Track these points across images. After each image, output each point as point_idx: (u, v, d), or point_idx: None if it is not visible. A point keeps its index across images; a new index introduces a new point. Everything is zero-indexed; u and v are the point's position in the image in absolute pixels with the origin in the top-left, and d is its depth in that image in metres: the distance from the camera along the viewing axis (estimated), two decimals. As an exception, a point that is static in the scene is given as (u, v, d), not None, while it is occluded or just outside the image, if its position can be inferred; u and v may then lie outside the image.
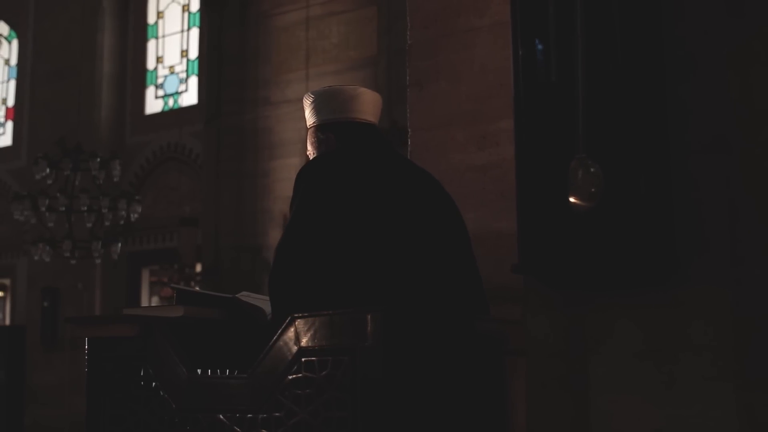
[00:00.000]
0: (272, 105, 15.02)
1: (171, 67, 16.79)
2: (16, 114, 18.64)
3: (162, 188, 15.60)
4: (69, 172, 9.03)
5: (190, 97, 16.37)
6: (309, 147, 3.05)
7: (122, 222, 9.25)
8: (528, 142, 2.33)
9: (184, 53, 16.65)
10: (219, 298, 3.03)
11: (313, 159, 2.94)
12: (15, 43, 19.01)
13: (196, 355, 2.68)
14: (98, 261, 9.73)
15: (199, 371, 2.60)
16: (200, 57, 16.21)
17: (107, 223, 9.20)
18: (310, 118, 3.05)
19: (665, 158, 2.25)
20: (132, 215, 9.25)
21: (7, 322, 18.64)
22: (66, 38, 16.90)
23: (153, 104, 16.88)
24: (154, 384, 2.65)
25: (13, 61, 19.00)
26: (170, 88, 16.74)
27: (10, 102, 18.90)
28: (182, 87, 16.58)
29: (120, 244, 9.82)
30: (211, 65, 15.44)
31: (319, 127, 3.01)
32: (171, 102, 16.68)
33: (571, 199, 2.20)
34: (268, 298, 3.11)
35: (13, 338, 16.90)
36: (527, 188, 2.33)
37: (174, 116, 16.27)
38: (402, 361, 2.36)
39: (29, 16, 18.27)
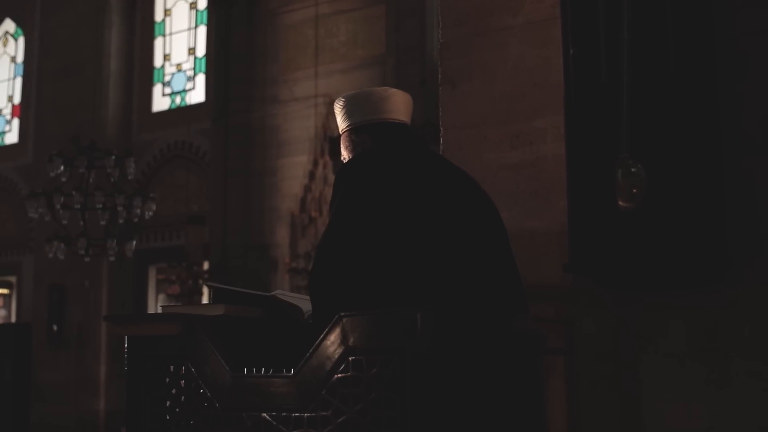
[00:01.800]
0: (280, 103, 15.02)
1: (178, 65, 16.78)
2: (22, 111, 18.62)
3: (169, 186, 15.59)
4: (83, 169, 9.01)
5: (197, 95, 16.36)
6: (343, 151, 3.04)
7: (136, 220, 9.24)
8: (578, 140, 2.32)
9: (192, 51, 16.64)
10: (257, 296, 3.02)
11: (352, 158, 2.93)
12: (21, 40, 19.00)
13: (234, 354, 2.67)
14: (112, 259, 9.72)
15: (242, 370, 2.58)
16: (208, 55, 16.20)
17: (121, 221, 9.19)
18: (342, 122, 3.04)
19: (717, 158, 2.25)
20: (147, 213, 9.25)
21: (13, 319, 18.64)
22: (73, 36, 16.88)
23: (160, 102, 16.87)
24: (196, 383, 2.64)
25: (20, 58, 18.99)
26: (177, 85, 16.73)
27: (17, 99, 18.89)
28: (189, 85, 16.57)
29: (134, 242, 9.80)
30: (218, 63, 15.44)
31: (353, 130, 3.01)
32: (178, 100, 16.68)
33: (618, 201, 2.19)
34: (303, 296, 3.11)
35: (19, 336, 16.91)
36: (577, 187, 2.32)
37: (181, 114, 16.26)
38: (450, 360, 2.36)
39: (36, 13, 18.25)
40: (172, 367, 2.70)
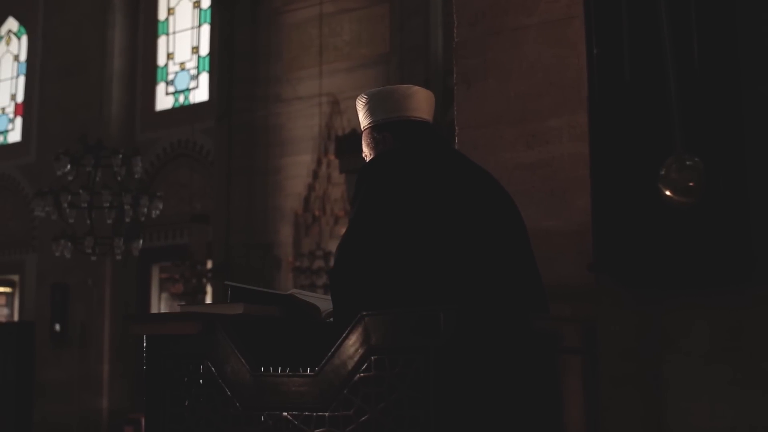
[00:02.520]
0: (283, 102, 15.01)
1: (182, 64, 16.77)
2: (25, 110, 18.62)
3: (172, 185, 15.58)
4: (91, 168, 9.01)
5: (200, 94, 16.35)
6: (365, 148, 3.03)
7: (143, 218, 9.24)
8: (602, 140, 2.31)
9: (195, 50, 16.63)
10: (274, 295, 3.02)
11: (374, 156, 2.93)
12: (24, 39, 18.99)
13: (252, 353, 2.67)
14: (119, 257, 9.72)
15: (262, 369, 2.58)
16: (211, 54, 16.19)
17: (128, 220, 9.20)
18: (364, 119, 3.03)
19: (741, 157, 2.25)
20: (154, 212, 9.25)
21: (16, 318, 18.63)
22: (76, 34, 16.87)
23: (163, 101, 16.86)
24: (216, 382, 2.64)
25: (23, 57, 18.98)
26: (181, 84, 16.72)
27: (20, 98, 18.88)
28: (193, 84, 16.56)
29: (141, 241, 9.80)
30: (222, 62, 15.43)
31: (375, 128, 3.00)
32: (182, 99, 16.66)
33: (667, 193, 2.18)
34: (320, 295, 3.11)
35: (22, 334, 16.89)
36: (601, 186, 2.32)
37: (185, 113, 16.24)
38: (471, 359, 2.36)
39: (39, 12, 18.25)
40: (191, 366, 2.69)
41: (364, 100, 3.05)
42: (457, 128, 3.60)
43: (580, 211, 3.33)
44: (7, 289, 19.30)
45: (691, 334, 2.29)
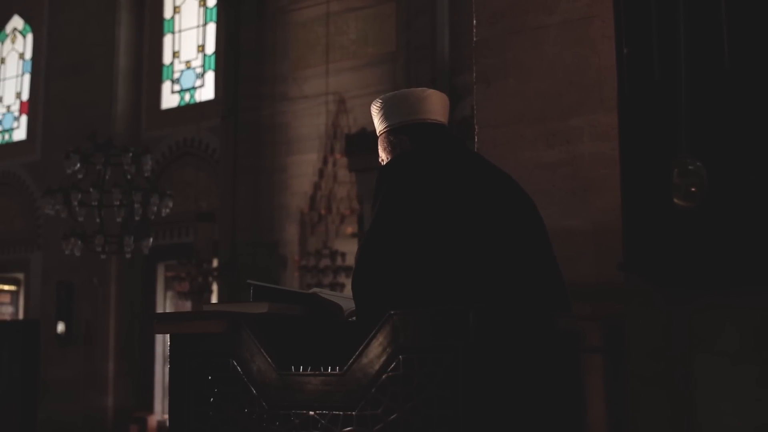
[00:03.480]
0: (289, 100, 15.02)
1: (187, 62, 16.78)
2: (30, 108, 18.63)
3: (178, 183, 15.57)
4: (101, 166, 9.01)
5: (206, 93, 16.35)
6: (381, 153, 3.03)
7: (152, 216, 9.25)
8: (632, 139, 2.31)
9: (201, 48, 16.64)
10: (297, 294, 3.02)
11: (393, 158, 2.93)
12: (30, 37, 19.00)
13: (277, 351, 2.67)
14: (128, 256, 9.72)
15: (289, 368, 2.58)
16: (217, 52, 16.19)
17: (137, 218, 9.20)
18: (380, 124, 3.04)
19: (769, 158, 2.24)
20: (164, 210, 9.25)
21: (20, 316, 18.66)
22: (81, 32, 16.89)
23: (169, 99, 16.86)
24: (241, 380, 2.63)
25: (28, 55, 18.99)
26: (186, 83, 16.73)
27: (25, 96, 18.90)
28: (198, 82, 16.57)
29: (151, 239, 9.81)
30: (228, 60, 15.44)
31: (391, 132, 3.00)
32: (187, 97, 16.67)
33: (674, 200, 2.19)
34: (342, 294, 3.11)
35: (27, 333, 16.93)
36: (631, 186, 2.31)
37: (190, 111, 16.25)
38: (500, 357, 2.36)
39: (44, 10, 18.27)
40: (216, 365, 2.69)
41: (378, 104, 3.05)
42: (476, 127, 3.60)
43: (600, 210, 3.33)
44: (12, 287, 19.31)
45: (721, 333, 2.29)
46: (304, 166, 14.70)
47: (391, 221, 2.72)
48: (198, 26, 16.77)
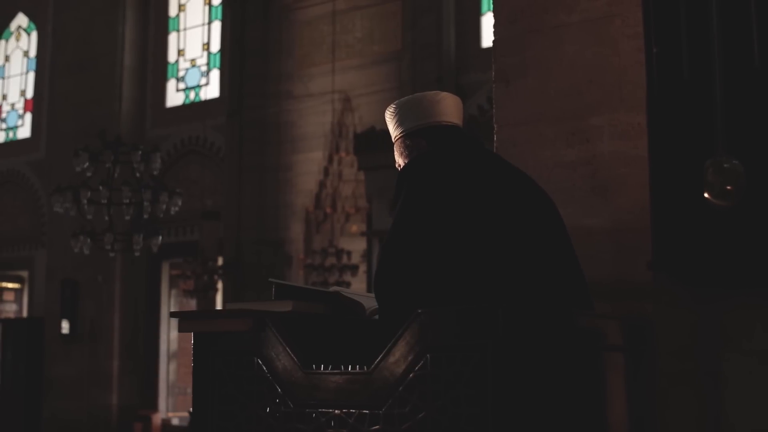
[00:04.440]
0: (295, 99, 15.02)
1: (192, 60, 16.78)
2: (35, 106, 18.64)
3: (183, 181, 15.56)
4: (110, 164, 9.02)
5: (211, 91, 16.35)
6: (398, 158, 3.03)
7: (161, 215, 9.25)
8: (662, 138, 2.31)
9: (206, 46, 16.64)
10: (319, 292, 3.02)
11: (414, 158, 2.93)
12: (34, 35, 19.01)
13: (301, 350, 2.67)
14: (137, 254, 9.72)
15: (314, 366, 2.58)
16: (222, 50, 16.19)
17: (146, 216, 9.21)
18: (395, 129, 3.04)
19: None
20: (173, 208, 9.26)
21: (24, 314, 18.67)
22: (86, 30, 16.88)
23: (174, 97, 16.86)
24: (266, 379, 2.63)
25: (32, 53, 19.00)
26: (191, 81, 16.73)
27: (29, 94, 18.91)
28: (203, 80, 16.57)
29: (161, 237, 9.81)
30: (233, 59, 15.44)
31: (407, 136, 3.00)
32: (192, 95, 16.67)
33: (706, 196, 2.18)
34: (363, 293, 3.11)
35: (31, 330, 16.94)
36: (660, 185, 2.31)
37: (195, 109, 16.26)
38: (526, 356, 2.36)
39: (48, 8, 18.27)
40: (241, 364, 2.69)
41: (392, 110, 3.05)
42: (495, 126, 3.60)
43: (621, 209, 3.34)
44: (16, 285, 19.32)
45: (751, 333, 2.29)
46: (310, 165, 14.70)
47: (412, 221, 2.72)
48: (203, 24, 16.77)
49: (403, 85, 13.68)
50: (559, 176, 3.45)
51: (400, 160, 3.04)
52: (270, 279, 3.04)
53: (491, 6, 13.32)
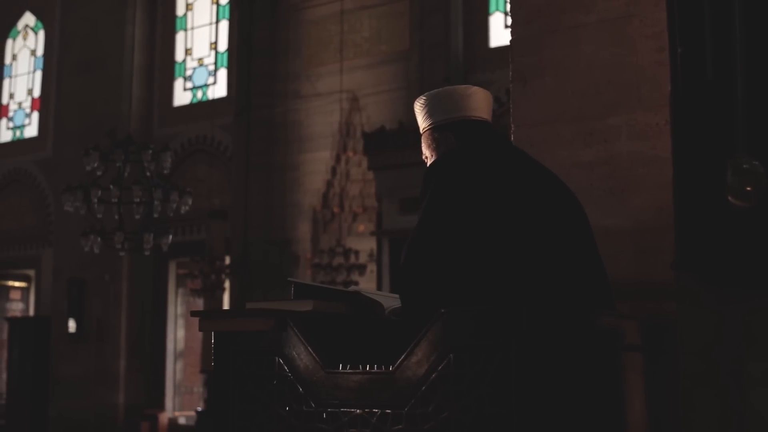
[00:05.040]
0: (302, 98, 15.02)
1: (200, 60, 16.79)
2: (42, 105, 18.65)
3: (190, 180, 15.55)
4: (120, 163, 9.03)
5: (219, 90, 16.36)
6: (425, 150, 3.03)
7: (171, 214, 9.26)
8: (685, 138, 2.31)
9: (213, 45, 16.65)
10: (338, 292, 3.02)
11: (442, 156, 2.93)
12: (41, 34, 19.03)
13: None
14: (147, 253, 9.73)
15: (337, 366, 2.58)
16: (230, 49, 16.20)
17: (156, 215, 9.23)
18: (424, 121, 3.03)
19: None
20: (183, 207, 9.27)
21: (31, 313, 18.68)
22: (93, 29, 16.90)
23: (181, 96, 16.87)
24: (288, 378, 2.63)
25: (40, 52, 19.01)
26: (199, 80, 16.74)
27: (36, 93, 18.92)
28: (211, 79, 16.58)
29: (171, 236, 9.82)
30: (240, 58, 15.44)
31: (435, 129, 3.00)
32: (200, 94, 16.68)
33: (729, 198, 2.18)
34: (381, 293, 3.11)
35: (38, 329, 16.95)
36: (684, 185, 2.31)
37: (202, 109, 16.26)
38: (549, 355, 2.36)
39: (56, 7, 18.28)
40: (262, 363, 2.69)
41: (422, 101, 3.05)
42: (512, 126, 3.60)
43: (639, 209, 3.34)
44: (23, 284, 19.34)
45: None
46: (317, 164, 14.71)
47: (438, 220, 2.72)
48: (210, 23, 16.78)
49: (410, 84, 13.68)
50: (577, 176, 3.44)
51: (427, 152, 3.04)
52: (288, 279, 3.04)
53: (499, 6, 13.32)
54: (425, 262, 2.69)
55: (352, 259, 13.07)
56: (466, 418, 2.35)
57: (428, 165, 2.96)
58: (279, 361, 2.66)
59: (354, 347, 2.76)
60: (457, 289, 2.63)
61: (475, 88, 3.05)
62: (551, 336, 2.40)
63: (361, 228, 14.07)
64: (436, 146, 2.99)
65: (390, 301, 2.99)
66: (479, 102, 3.02)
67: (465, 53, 13.57)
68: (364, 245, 13.69)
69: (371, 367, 2.51)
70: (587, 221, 2.94)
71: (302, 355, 2.63)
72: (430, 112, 3.02)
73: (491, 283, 2.62)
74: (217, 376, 2.79)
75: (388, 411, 2.46)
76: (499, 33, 13.52)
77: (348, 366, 2.55)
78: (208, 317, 2.85)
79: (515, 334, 2.29)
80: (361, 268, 13.09)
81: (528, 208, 2.75)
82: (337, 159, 14.47)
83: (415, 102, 3.08)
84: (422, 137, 3.06)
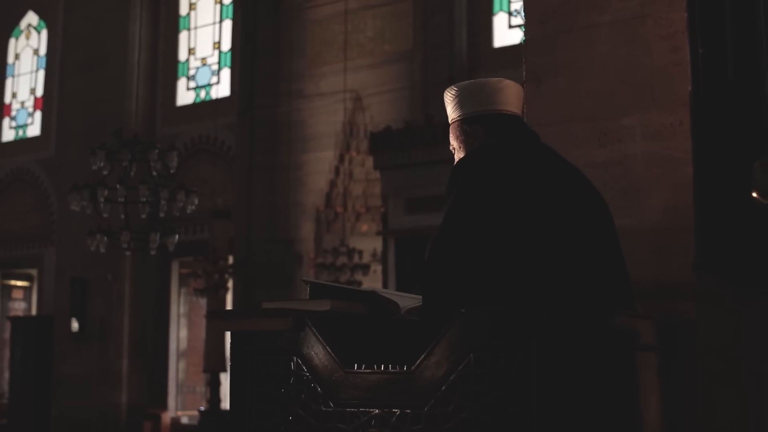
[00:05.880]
0: (305, 98, 15.03)
1: (203, 59, 16.79)
2: (44, 104, 18.65)
3: (194, 180, 15.52)
4: (126, 162, 9.04)
5: (222, 90, 16.36)
6: (453, 141, 3.02)
7: (177, 213, 9.26)
8: (706, 138, 2.31)
9: (217, 45, 16.64)
10: (354, 291, 3.02)
11: (470, 153, 2.92)
12: (44, 33, 19.02)
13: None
14: (153, 253, 9.74)
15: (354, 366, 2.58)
16: (233, 49, 16.19)
17: (162, 215, 9.23)
18: (453, 111, 3.03)
19: None
20: (189, 207, 9.27)
21: (33, 312, 18.68)
22: (97, 28, 16.91)
23: (184, 96, 16.87)
24: (306, 378, 2.63)
25: (42, 51, 19.01)
26: (202, 80, 16.74)
27: (39, 92, 18.92)
28: (214, 79, 16.57)
29: (177, 236, 9.83)
30: (244, 57, 15.44)
31: (464, 120, 2.99)
32: (203, 94, 16.68)
33: (754, 195, 2.18)
34: (398, 293, 3.11)
35: (41, 329, 16.94)
36: (705, 185, 2.31)
37: (206, 108, 16.26)
38: (570, 356, 2.37)
39: (59, 6, 18.28)
40: (280, 363, 2.69)
41: (453, 92, 3.04)
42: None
43: (653, 209, 3.34)
44: (25, 283, 19.34)
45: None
46: (320, 164, 14.71)
47: (463, 218, 2.72)
48: (214, 23, 16.78)
49: (414, 84, 13.69)
50: (591, 176, 3.42)
51: (455, 143, 3.03)
52: (303, 279, 3.04)
53: (503, 6, 13.30)
54: (448, 260, 2.69)
55: (356, 258, 13.08)
56: (486, 417, 2.35)
57: (456, 159, 2.96)
58: (297, 360, 2.66)
59: (370, 346, 2.76)
60: (479, 287, 2.63)
61: (507, 82, 3.04)
62: (570, 336, 2.41)
63: (365, 228, 14.07)
64: (464, 138, 2.98)
65: (406, 300, 2.99)
66: (510, 96, 3.01)
67: (469, 53, 13.57)
68: (368, 245, 13.69)
69: (389, 367, 2.52)
70: (611, 220, 2.94)
71: (320, 354, 2.63)
72: (460, 104, 3.01)
73: (513, 282, 2.62)
74: (234, 376, 2.79)
75: (408, 411, 2.46)
76: (503, 33, 13.52)
77: (363, 365, 2.55)
78: (224, 317, 2.85)
79: (536, 334, 2.29)
80: (365, 268, 13.10)
81: (553, 207, 2.74)
82: (341, 159, 14.47)
83: (445, 92, 3.07)
84: (450, 127, 3.05)
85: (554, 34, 3.60)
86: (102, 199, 8.93)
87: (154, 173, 9.08)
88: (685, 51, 3.27)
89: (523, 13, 3.70)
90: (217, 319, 2.83)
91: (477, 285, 2.62)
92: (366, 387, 2.54)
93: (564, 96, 3.54)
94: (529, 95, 3.63)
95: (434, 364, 2.43)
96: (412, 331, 2.78)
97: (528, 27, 3.67)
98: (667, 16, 3.38)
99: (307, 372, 2.64)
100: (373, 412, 2.52)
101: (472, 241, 2.65)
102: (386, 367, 2.52)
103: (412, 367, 2.46)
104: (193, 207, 9.44)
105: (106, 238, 9.25)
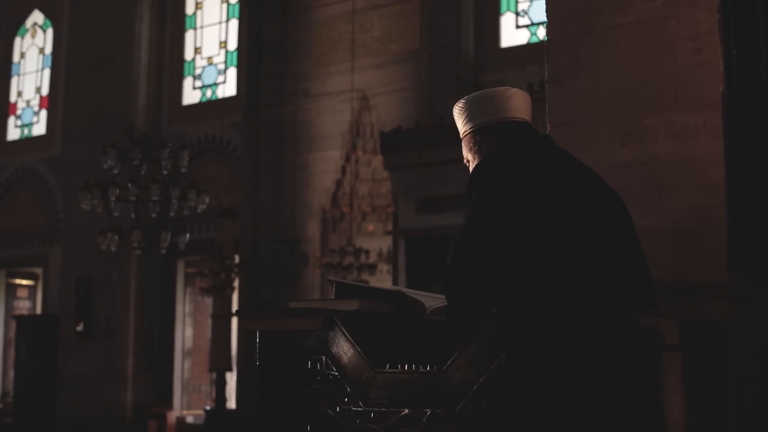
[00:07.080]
0: (312, 97, 15.03)
1: (209, 58, 16.79)
2: (50, 103, 18.66)
3: (199, 179, 15.49)
4: (137, 161, 9.05)
5: (228, 89, 16.37)
6: (467, 154, 3.03)
7: (188, 213, 9.27)
8: (740, 139, 2.32)
9: (223, 44, 16.65)
10: (380, 291, 3.02)
11: (487, 157, 2.93)
12: (50, 32, 19.03)
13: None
14: (164, 252, 9.74)
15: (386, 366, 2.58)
16: (239, 48, 16.20)
17: (172, 214, 9.24)
18: (464, 124, 3.04)
19: None
20: (200, 206, 9.28)
21: (38, 311, 18.68)
22: (103, 27, 16.92)
23: (191, 95, 16.88)
24: (335, 378, 2.64)
25: (48, 50, 19.02)
26: (208, 79, 16.74)
27: (45, 91, 18.92)
28: (220, 78, 16.58)
29: (188, 235, 9.83)
30: (250, 57, 15.44)
31: (477, 131, 3.01)
32: (209, 93, 16.69)
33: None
34: (423, 292, 3.12)
35: (45, 327, 16.93)
36: (738, 185, 2.32)
37: (212, 107, 16.27)
38: (601, 356, 2.37)
39: (65, 5, 18.29)
40: (309, 362, 2.69)
41: (461, 105, 3.06)
42: (548, 126, 3.61)
43: (676, 209, 3.34)
44: (30, 282, 19.35)
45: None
46: (326, 163, 14.72)
47: (485, 220, 2.73)
48: (220, 22, 16.79)
49: (421, 84, 13.69)
50: (614, 177, 3.44)
51: (468, 156, 3.04)
52: (329, 278, 3.06)
53: (510, 6, 13.31)
54: (472, 261, 2.70)
55: (363, 258, 13.08)
56: (518, 417, 2.35)
57: (472, 168, 2.97)
58: (326, 360, 2.67)
59: (397, 346, 2.76)
60: (503, 288, 2.64)
61: (515, 90, 3.06)
62: (600, 336, 2.41)
63: (371, 228, 14.08)
64: (478, 149, 2.99)
65: (431, 300, 2.99)
66: (519, 103, 3.03)
67: (476, 53, 13.58)
68: (374, 245, 13.70)
69: (419, 367, 2.52)
70: (630, 220, 2.95)
71: (350, 354, 2.63)
72: (470, 116, 3.02)
73: (537, 282, 2.63)
74: (262, 375, 2.79)
75: (439, 410, 2.46)
76: (510, 33, 13.53)
77: (388, 365, 2.56)
78: (253, 316, 2.86)
79: (569, 335, 2.30)
80: (371, 268, 13.10)
81: (573, 208, 2.76)
82: (347, 158, 14.48)
83: (454, 106, 3.09)
84: (463, 141, 3.06)
85: (577, 35, 3.60)
86: (113, 198, 8.93)
87: (165, 172, 9.08)
88: (709, 52, 3.29)
89: (545, 14, 3.70)
90: (246, 317, 2.83)
91: (502, 285, 2.63)
92: (396, 387, 2.54)
93: (587, 96, 3.55)
94: (551, 95, 3.64)
95: (466, 364, 2.44)
96: (439, 330, 2.78)
97: (550, 27, 3.67)
98: (690, 17, 3.39)
99: (335, 371, 2.65)
100: (403, 411, 2.52)
101: (496, 242, 2.66)
102: (416, 367, 2.52)
103: (444, 367, 2.46)
104: (204, 206, 9.45)
105: (117, 237, 9.25)
